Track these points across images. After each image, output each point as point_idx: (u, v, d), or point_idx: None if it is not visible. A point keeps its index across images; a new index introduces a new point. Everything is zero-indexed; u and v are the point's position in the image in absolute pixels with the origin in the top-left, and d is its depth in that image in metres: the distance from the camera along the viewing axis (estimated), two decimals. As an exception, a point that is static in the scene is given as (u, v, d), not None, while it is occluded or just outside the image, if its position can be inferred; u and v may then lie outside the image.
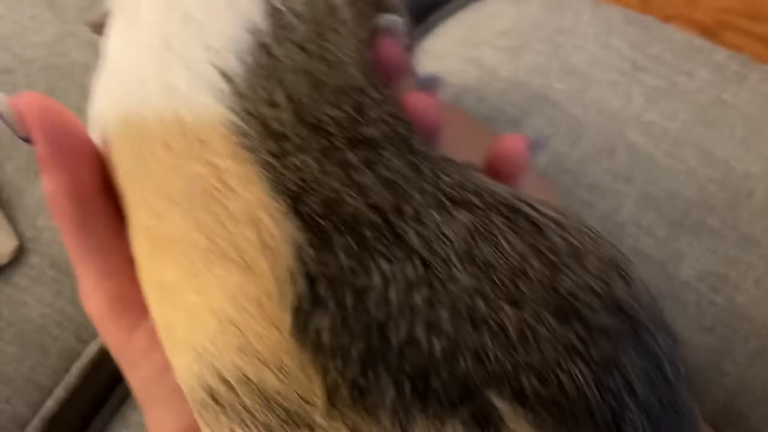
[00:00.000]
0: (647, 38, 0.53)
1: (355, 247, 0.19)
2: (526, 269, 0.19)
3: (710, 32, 0.89)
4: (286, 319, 0.19)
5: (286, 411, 0.19)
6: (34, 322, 0.47)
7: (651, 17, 0.54)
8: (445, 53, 0.55)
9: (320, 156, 0.20)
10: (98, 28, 0.29)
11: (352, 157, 0.21)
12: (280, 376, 0.19)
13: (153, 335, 0.25)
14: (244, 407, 0.20)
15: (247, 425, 0.19)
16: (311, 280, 0.19)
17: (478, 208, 0.20)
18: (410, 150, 0.21)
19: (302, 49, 0.22)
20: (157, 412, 0.26)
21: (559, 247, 0.20)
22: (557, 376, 0.19)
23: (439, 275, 0.19)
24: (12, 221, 0.49)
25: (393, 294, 0.19)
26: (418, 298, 0.19)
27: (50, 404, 0.47)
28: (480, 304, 0.19)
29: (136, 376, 0.26)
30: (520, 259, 0.20)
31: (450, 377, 0.18)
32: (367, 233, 0.20)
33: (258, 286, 0.20)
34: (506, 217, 0.20)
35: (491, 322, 0.19)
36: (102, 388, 0.49)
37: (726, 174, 0.48)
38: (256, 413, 0.19)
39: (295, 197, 0.20)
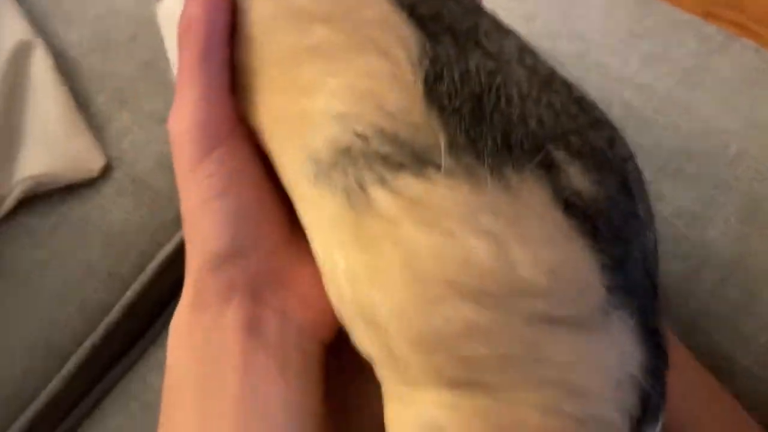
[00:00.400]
0: (645, 11, 0.57)
1: (456, 45, 0.25)
2: (554, 74, 0.26)
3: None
4: (418, 86, 0.25)
5: (417, 153, 0.24)
6: (117, 226, 0.53)
7: None
8: None
9: None
10: None
11: None
12: (412, 128, 0.24)
13: (219, 164, 0.27)
14: (380, 154, 0.24)
15: (376, 169, 0.24)
16: (432, 62, 0.25)
17: (518, 35, 0.27)
18: None
19: None
20: (202, 235, 0.27)
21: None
22: (589, 137, 0.25)
23: (506, 68, 0.25)
24: (101, 143, 0.55)
25: (483, 76, 0.25)
26: (497, 80, 0.25)
27: (129, 294, 0.53)
28: (534, 90, 0.25)
29: (192, 199, 0.27)
30: (551, 69, 0.26)
31: (523, 135, 0.24)
32: (461, 37, 0.26)
33: (393, 65, 0.25)
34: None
35: (543, 100, 0.25)
36: (171, 285, 0.55)
37: (705, 129, 0.52)
38: (391, 156, 0.24)
39: (411, 10, 0.26)
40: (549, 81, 0.26)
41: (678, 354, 0.40)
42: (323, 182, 0.25)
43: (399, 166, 0.24)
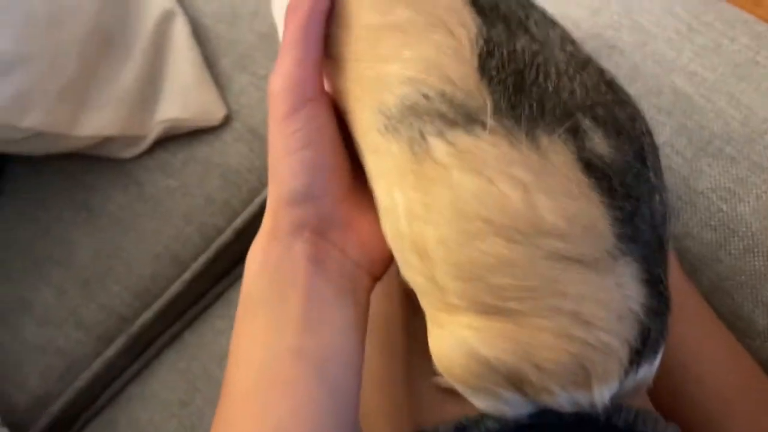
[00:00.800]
0: (704, 9, 0.59)
1: (508, 30, 0.29)
2: (590, 60, 0.30)
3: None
4: (474, 60, 0.28)
5: (468, 112, 0.27)
6: (233, 167, 0.59)
7: None
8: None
9: None
10: None
11: None
12: (467, 93, 0.28)
13: (305, 121, 0.29)
14: (439, 112, 0.28)
15: (435, 123, 0.27)
16: (487, 42, 0.28)
17: (563, 28, 0.30)
18: None
19: None
20: (283, 178, 0.29)
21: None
22: (614, 111, 0.28)
23: (548, 51, 0.29)
24: (223, 98, 0.61)
25: (527, 55, 0.28)
26: (538, 59, 0.28)
27: (239, 221, 0.59)
28: (570, 69, 0.28)
29: (278, 147, 0.29)
30: (587, 56, 0.30)
31: (556, 104, 0.27)
32: (512, 24, 0.29)
33: (457, 41, 0.28)
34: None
35: (577, 78, 0.28)
36: None
37: (747, 116, 0.55)
38: (448, 114, 0.27)
39: (474, 1, 0.30)
40: (584, 64, 0.29)
41: (683, 289, 0.43)
42: (391, 132, 0.29)
43: (453, 123, 0.28)
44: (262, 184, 0.60)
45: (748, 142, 0.56)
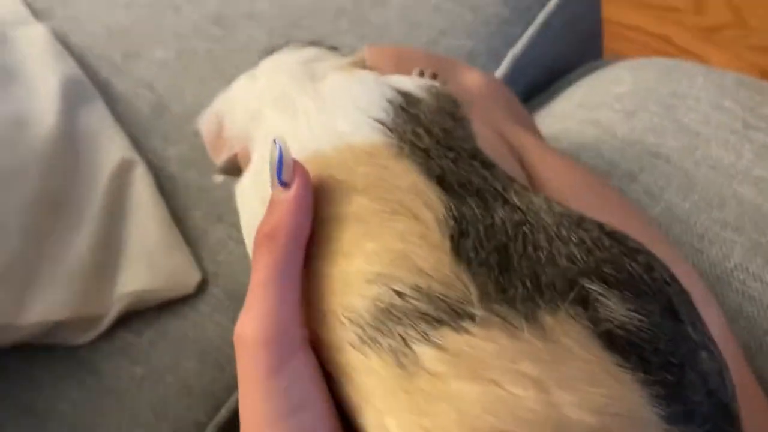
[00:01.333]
0: (760, 100, 0.54)
1: (482, 204, 0.28)
2: (584, 216, 0.28)
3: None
4: (446, 243, 0.27)
5: (452, 307, 0.25)
6: (213, 342, 0.53)
7: (764, 81, 0.56)
8: (567, 115, 0.59)
9: (452, 161, 0.30)
10: (228, 170, 0.40)
11: (474, 163, 0.31)
12: (445, 283, 0.26)
13: (295, 377, 0.26)
14: (419, 310, 0.26)
15: (418, 326, 0.25)
16: (458, 221, 0.27)
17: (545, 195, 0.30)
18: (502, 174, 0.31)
19: (431, 112, 0.33)
20: None
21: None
22: (625, 266, 0.26)
23: (533, 217, 0.28)
24: (197, 258, 0.56)
25: (509, 227, 0.27)
26: (523, 228, 0.27)
27: (223, 412, 0.52)
28: (563, 230, 0.27)
29: (263, 410, 0.26)
30: (579, 214, 0.28)
31: (554, 275, 0.26)
32: (488, 197, 0.29)
33: (423, 225, 0.28)
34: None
35: (573, 238, 0.27)
36: None
37: None
38: (429, 312, 0.25)
39: (440, 179, 0.29)
40: (579, 222, 0.28)
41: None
42: (368, 344, 0.26)
43: (438, 321, 0.25)
44: (250, 361, 0.49)
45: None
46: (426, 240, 0.27)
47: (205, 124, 0.43)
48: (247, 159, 0.38)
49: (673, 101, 0.55)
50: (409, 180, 0.29)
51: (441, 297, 0.26)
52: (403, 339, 0.26)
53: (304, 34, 0.63)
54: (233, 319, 0.54)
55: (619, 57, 0.67)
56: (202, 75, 0.63)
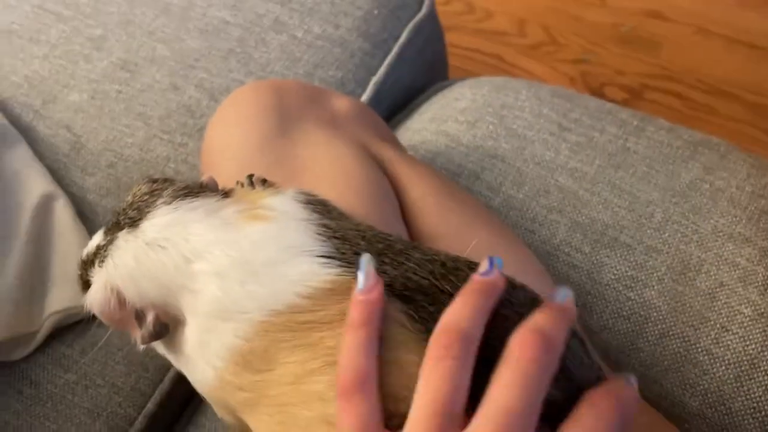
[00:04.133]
0: (569, 106, 0.61)
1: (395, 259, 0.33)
2: (458, 265, 0.33)
3: (635, 93, 1.02)
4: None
5: None
6: (136, 345, 0.58)
7: (572, 90, 0.64)
8: (422, 128, 0.64)
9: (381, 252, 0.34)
10: (150, 337, 0.37)
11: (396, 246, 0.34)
12: None
13: None
14: None
15: None
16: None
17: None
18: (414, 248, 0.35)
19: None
20: None
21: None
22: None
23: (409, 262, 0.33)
24: None
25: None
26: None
27: (150, 406, 0.55)
28: (436, 267, 0.33)
29: None
30: (454, 260, 0.33)
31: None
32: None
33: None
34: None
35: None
36: (187, 393, 0.57)
37: (632, 202, 0.56)
38: None
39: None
40: (456, 265, 0.33)
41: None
42: None
43: None
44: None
45: (638, 227, 0.57)
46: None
47: (97, 303, 0.39)
48: (169, 320, 0.37)
49: (504, 112, 0.61)
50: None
51: None
52: None
53: (199, 73, 0.67)
54: (152, 324, 0.58)
55: (464, 74, 0.75)
56: (114, 114, 0.65)
